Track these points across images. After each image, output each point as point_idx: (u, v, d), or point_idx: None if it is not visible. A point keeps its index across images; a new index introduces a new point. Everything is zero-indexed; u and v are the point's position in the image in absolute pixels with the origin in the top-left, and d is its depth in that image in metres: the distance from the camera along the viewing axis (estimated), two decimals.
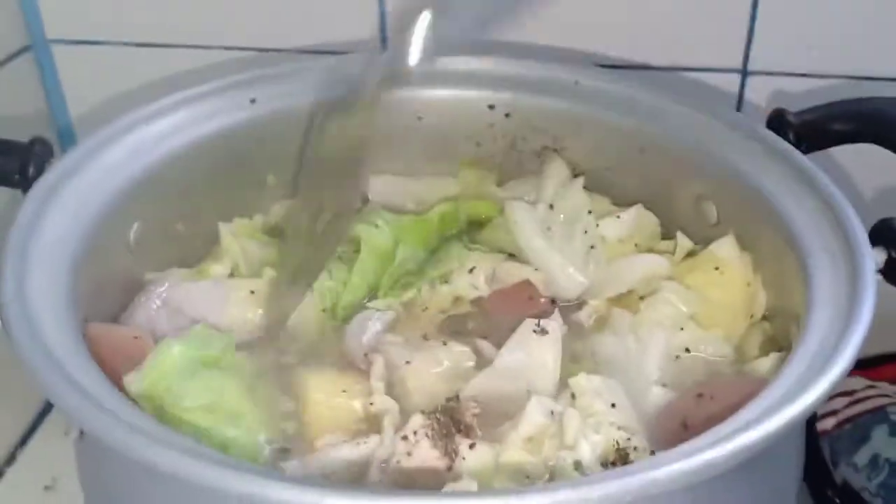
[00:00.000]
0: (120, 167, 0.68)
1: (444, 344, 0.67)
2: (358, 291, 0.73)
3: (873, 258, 0.59)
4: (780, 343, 0.66)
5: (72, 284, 0.60)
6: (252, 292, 0.70)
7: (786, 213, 0.65)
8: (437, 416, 0.59)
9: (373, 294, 0.73)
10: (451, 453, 0.57)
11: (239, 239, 0.75)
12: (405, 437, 0.58)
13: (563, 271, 0.72)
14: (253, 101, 0.75)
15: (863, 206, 0.63)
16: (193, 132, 0.72)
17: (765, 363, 0.63)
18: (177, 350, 0.61)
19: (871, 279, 0.57)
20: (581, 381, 0.63)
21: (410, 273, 0.75)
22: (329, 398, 0.64)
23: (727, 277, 0.70)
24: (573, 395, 0.62)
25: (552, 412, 0.61)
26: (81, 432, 0.60)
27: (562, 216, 0.75)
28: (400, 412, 0.62)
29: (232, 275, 0.74)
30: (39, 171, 0.65)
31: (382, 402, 0.62)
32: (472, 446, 0.57)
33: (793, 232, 0.64)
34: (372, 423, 0.62)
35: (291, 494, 0.44)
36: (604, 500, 0.44)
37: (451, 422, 0.59)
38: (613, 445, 0.59)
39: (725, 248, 0.71)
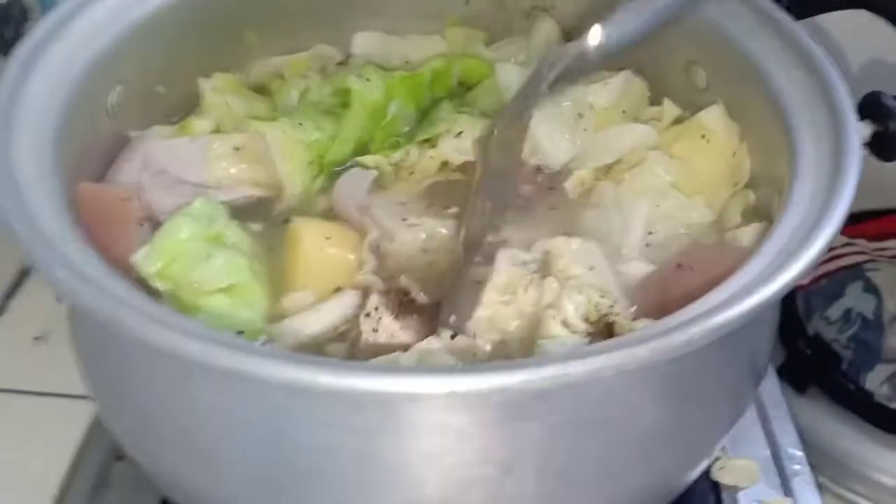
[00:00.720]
0: (99, 29, 0.66)
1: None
2: (346, 146, 0.72)
3: (859, 132, 0.59)
4: (762, 213, 0.67)
5: (57, 150, 0.59)
6: (237, 148, 0.70)
7: (774, 81, 0.65)
8: (392, 293, 0.61)
9: (361, 150, 0.73)
10: (415, 327, 0.59)
11: (221, 93, 0.74)
12: (368, 315, 0.60)
13: (549, 139, 0.72)
14: None
15: (851, 78, 0.62)
16: None
17: (746, 233, 0.64)
18: (186, 231, 0.61)
19: (856, 154, 0.57)
20: (559, 244, 0.64)
21: (401, 134, 0.75)
22: (321, 249, 0.65)
23: (713, 146, 0.70)
24: (550, 255, 0.64)
25: (523, 262, 0.63)
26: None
27: None
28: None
29: (217, 131, 0.73)
30: (17, 34, 0.63)
31: (368, 278, 0.63)
32: (453, 336, 0.58)
33: (780, 101, 0.64)
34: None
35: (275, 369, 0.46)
36: (587, 375, 0.46)
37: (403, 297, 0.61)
38: (595, 307, 0.60)
39: (713, 117, 0.70)
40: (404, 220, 0.68)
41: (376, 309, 0.60)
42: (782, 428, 0.78)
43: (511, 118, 0.69)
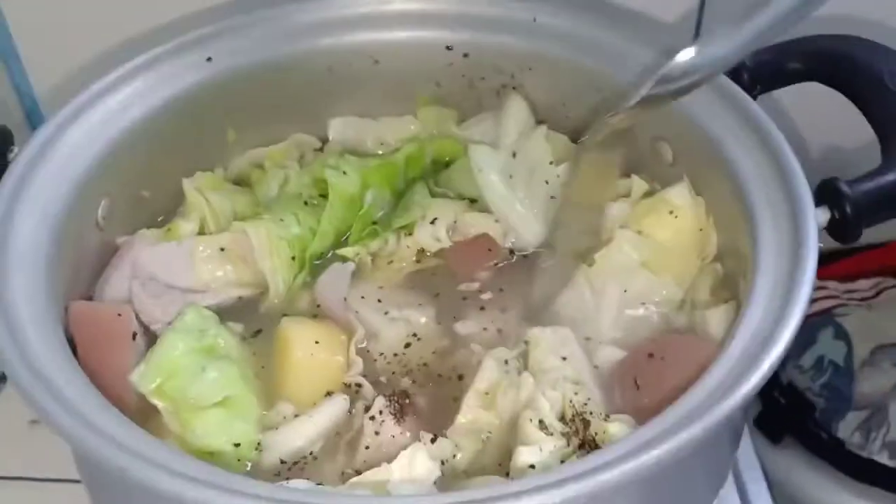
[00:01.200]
0: (82, 148, 0.69)
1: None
2: (326, 239, 0.75)
3: (817, 218, 0.61)
4: (730, 286, 0.69)
5: (50, 274, 0.62)
6: (222, 249, 0.72)
7: (734, 161, 0.67)
8: (395, 398, 0.64)
9: (339, 241, 0.76)
10: (413, 429, 0.62)
11: (203, 192, 0.76)
12: (372, 418, 0.63)
13: (522, 222, 0.75)
14: (209, 59, 0.75)
15: (809, 163, 0.64)
16: (152, 99, 0.73)
17: (714, 316, 0.67)
18: (181, 347, 0.64)
19: (813, 246, 0.59)
20: (535, 333, 0.67)
21: (377, 221, 0.77)
22: (312, 355, 0.67)
23: (680, 221, 0.72)
24: (526, 345, 0.67)
25: (506, 361, 0.65)
26: None
27: (523, 165, 0.77)
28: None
29: (201, 232, 0.75)
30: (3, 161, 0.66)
31: (358, 379, 0.66)
32: (433, 440, 0.61)
33: (739, 181, 0.66)
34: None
35: None
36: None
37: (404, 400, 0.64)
38: (570, 405, 0.63)
39: (679, 194, 0.72)
40: (386, 313, 0.70)
41: (380, 412, 0.62)
42: (756, 490, 0.78)
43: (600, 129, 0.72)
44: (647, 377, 0.63)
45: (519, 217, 0.75)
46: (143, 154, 0.73)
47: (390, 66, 0.80)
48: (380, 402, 0.63)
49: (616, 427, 0.59)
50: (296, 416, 0.64)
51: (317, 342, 0.67)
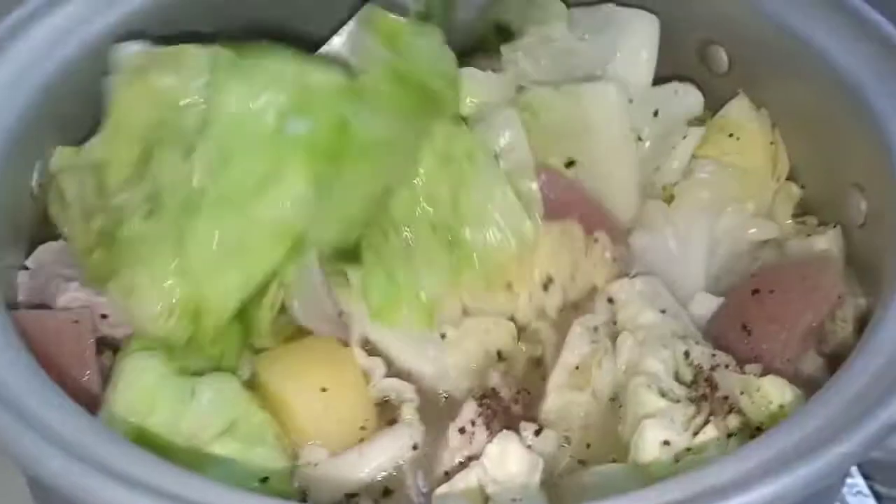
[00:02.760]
0: (4, 96, 0.52)
1: None
2: None
3: None
4: (815, 207, 0.60)
5: None
6: None
7: (833, 58, 0.56)
8: (487, 401, 0.50)
9: None
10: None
11: None
12: (462, 430, 0.49)
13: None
14: None
15: None
16: (86, 30, 0.56)
17: (821, 241, 0.56)
18: (152, 374, 0.47)
19: None
20: (620, 288, 0.55)
21: None
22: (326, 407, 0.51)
23: (745, 142, 0.62)
24: (611, 303, 0.54)
25: (595, 329, 0.53)
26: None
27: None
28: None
29: None
30: None
31: (390, 384, 0.52)
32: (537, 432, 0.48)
33: (846, 80, 0.55)
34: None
35: None
36: None
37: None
38: (688, 363, 0.51)
39: (738, 110, 0.62)
40: None
41: (472, 423, 0.48)
42: None
43: None
44: (757, 319, 0.52)
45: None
46: (82, 101, 0.55)
47: None
48: (470, 411, 0.49)
49: (772, 384, 0.47)
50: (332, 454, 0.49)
51: (324, 390, 0.50)
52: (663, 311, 0.53)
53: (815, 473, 0.37)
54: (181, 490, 0.35)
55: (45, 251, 0.54)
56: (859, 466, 0.68)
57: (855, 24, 0.56)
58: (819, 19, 0.57)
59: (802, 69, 0.58)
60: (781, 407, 0.46)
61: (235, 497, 0.36)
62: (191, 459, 0.45)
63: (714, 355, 0.50)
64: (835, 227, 0.57)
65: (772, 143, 0.62)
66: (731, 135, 0.62)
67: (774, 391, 0.47)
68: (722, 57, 0.64)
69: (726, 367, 0.50)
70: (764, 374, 0.49)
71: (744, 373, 0.49)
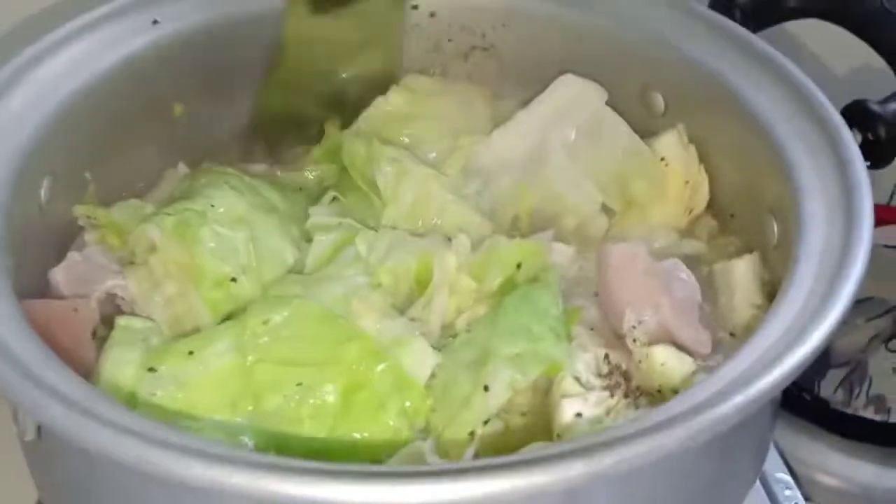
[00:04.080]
0: (19, 119, 0.59)
1: None
2: None
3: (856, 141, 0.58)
4: (739, 231, 0.66)
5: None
6: None
7: (745, 97, 0.63)
8: None
9: None
10: None
11: None
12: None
13: None
14: (155, 22, 0.67)
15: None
16: (94, 65, 0.63)
17: (740, 263, 0.62)
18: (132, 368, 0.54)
19: (861, 166, 0.56)
20: None
21: None
22: None
23: (669, 171, 0.68)
24: None
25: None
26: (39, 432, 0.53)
27: None
28: None
29: None
30: None
31: None
32: None
33: (756, 117, 0.62)
34: None
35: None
36: None
37: None
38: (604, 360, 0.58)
39: (668, 144, 0.69)
40: None
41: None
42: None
43: None
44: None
45: None
46: (85, 128, 0.63)
47: None
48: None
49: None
50: None
51: None
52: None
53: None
54: (167, 436, 0.41)
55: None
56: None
57: (769, 71, 0.63)
58: (739, 66, 0.64)
59: (725, 109, 0.64)
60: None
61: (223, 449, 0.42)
62: None
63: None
64: (752, 252, 0.63)
65: (686, 181, 0.68)
66: (662, 159, 0.68)
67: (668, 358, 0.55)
68: (658, 100, 0.71)
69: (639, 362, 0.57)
70: None
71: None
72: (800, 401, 0.86)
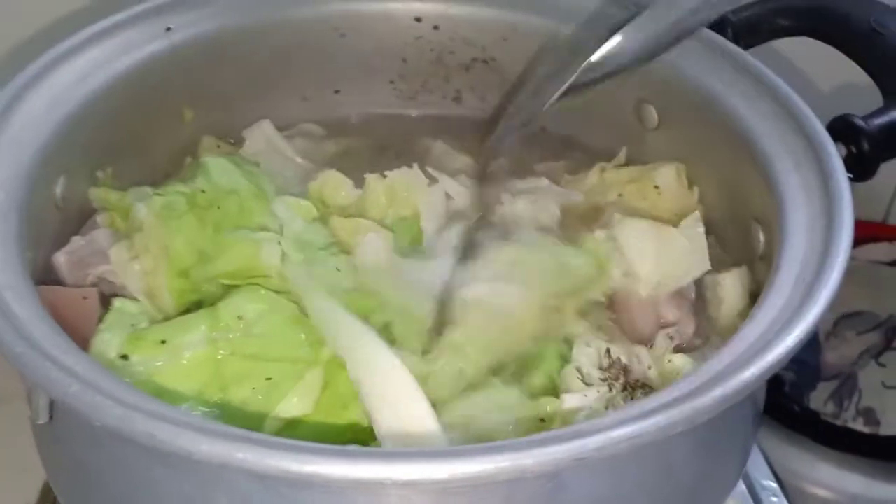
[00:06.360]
0: (38, 121, 0.61)
1: None
2: None
3: (840, 154, 0.60)
4: (727, 242, 0.68)
5: (21, 259, 0.54)
6: None
7: (735, 112, 0.65)
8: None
9: None
10: None
11: None
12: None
13: None
14: (168, 29, 0.69)
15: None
16: (109, 70, 0.66)
17: (728, 277, 0.65)
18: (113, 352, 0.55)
19: (843, 179, 0.58)
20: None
21: None
22: None
23: (662, 201, 0.71)
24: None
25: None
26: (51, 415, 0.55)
27: None
28: None
29: None
30: None
31: None
32: None
33: (747, 133, 0.64)
34: None
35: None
36: None
37: None
38: (605, 354, 0.60)
39: (665, 175, 0.71)
40: None
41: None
42: (753, 461, 0.75)
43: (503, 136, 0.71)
44: None
45: None
46: (99, 129, 0.66)
47: (356, 40, 0.76)
48: None
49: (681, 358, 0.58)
50: None
51: None
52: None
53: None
54: (176, 415, 0.44)
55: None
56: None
57: (758, 86, 0.65)
58: (731, 82, 0.67)
59: (715, 123, 0.67)
60: None
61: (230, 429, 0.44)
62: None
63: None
64: (740, 266, 0.65)
65: (675, 214, 0.70)
66: (656, 187, 0.71)
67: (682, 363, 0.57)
68: (652, 114, 0.73)
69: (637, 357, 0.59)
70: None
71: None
72: (790, 412, 0.87)
